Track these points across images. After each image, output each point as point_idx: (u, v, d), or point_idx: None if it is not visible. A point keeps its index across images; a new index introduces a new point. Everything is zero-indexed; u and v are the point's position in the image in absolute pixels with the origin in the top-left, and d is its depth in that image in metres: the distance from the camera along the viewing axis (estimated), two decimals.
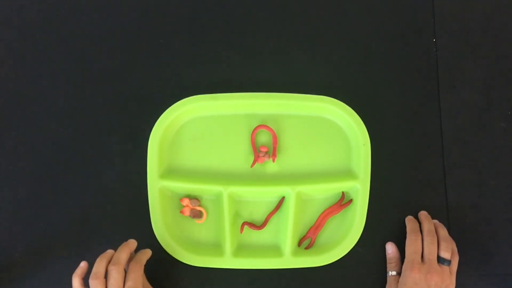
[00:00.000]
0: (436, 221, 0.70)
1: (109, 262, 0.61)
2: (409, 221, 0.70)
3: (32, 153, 0.71)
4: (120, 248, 0.62)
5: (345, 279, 0.70)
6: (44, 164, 0.71)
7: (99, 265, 0.60)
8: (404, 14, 0.75)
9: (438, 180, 0.72)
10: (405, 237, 0.69)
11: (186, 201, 0.70)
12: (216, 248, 0.69)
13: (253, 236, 0.70)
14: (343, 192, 0.70)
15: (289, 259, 0.68)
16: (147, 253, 0.64)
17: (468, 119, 0.74)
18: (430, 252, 0.66)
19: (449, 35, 0.75)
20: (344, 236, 0.69)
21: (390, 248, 0.70)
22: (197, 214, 0.69)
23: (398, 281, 0.67)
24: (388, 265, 0.70)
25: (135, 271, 0.61)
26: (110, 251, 0.62)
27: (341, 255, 0.69)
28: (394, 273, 0.68)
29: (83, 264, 0.62)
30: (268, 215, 0.70)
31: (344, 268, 0.70)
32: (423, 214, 0.71)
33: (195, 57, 0.73)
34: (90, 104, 0.72)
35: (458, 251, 0.68)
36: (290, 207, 0.68)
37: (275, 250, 0.70)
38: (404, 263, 0.66)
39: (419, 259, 0.66)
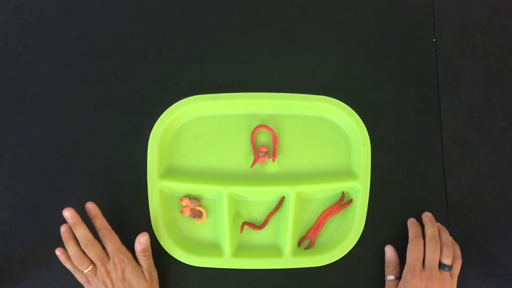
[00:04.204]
0: (438, 224, 0.69)
1: (73, 239, 0.64)
2: (412, 225, 0.69)
3: (32, 153, 0.71)
4: (74, 227, 0.64)
5: (345, 279, 0.70)
6: (44, 164, 0.71)
7: (71, 247, 0.64)
8: (404, 14, 0.75)
9: (438, 180, 0.72)
10: (405, 238, 0.68)
11: (186, 201, 0.70)
12: (216, 248, 0.69)
13: (253, 236, 0.70)
14: (343, 192, 0.70)
15: (289, 259, 0.68)
16: (97, 216, 0.65)
17: (468, 119, 0.74)
18: (433, 259, 0.65)
19: (449, 35, 0.75)
20: (344, 236, 0.69)
21: (389, 251, 0.69)
22: (197, 214, 0.69)
23: (396, 286, 0.67)
24: (386, 269, 0.69)
25: (106, 237, 0.65)
26: (63, 230, 0.64)
27: (341, 255, 0.69)
28: (392, 277, 0.68)
29: (60, 252, 0.65)
30: (268, 215, 0.70)
31: (344, 268, 0.70)
32: (427, 217, 0.70)
33: (195, 57, 0.73)
34: (90, 104, 0.72)
35: None
36: (290, 207, 0.68)
37: (275, 250, 0.70)
38: (405, 269, 0.66)
39: (421, 266, 0.65)
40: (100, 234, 0.65)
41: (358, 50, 0.74)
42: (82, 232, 0.64)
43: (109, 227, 0.66)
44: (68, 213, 0.64)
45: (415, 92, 0.74)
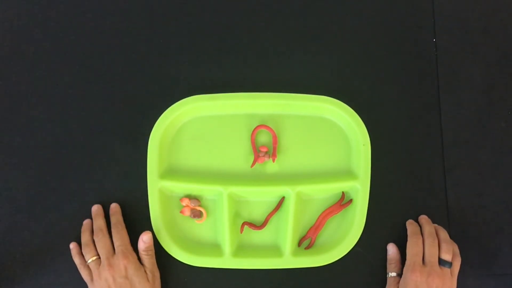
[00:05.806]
0: (436, 225, 0.70)
1: (89, 231, 0.68)
2: (410, 224, 0.70)
3: (32, 153, 0.71)
4: (94, 218, 0.68)
5: (345, 279, 0.70)
6: (44, 164, 0.71)
7: (85, 236, 0.67)
8: (404, 14, 0.75)
9: (438, 180, 0.72)
10: (405, 238, 0.69)
11: (186, 201, 0.70)
12: (216, 248, 0.69)
13: (253, 236, 0.70)
14: (343, 192, 0.70)
15: (289, 259, 0.68)
16: (116, 213, 0.69)
17: (468, 119, 0.74)
18: (431, 254, 0.65)
19: (449, 35, 0.75)
20: (344, 236, 0.69)
21: (391, 249, 0.70)
22: (197, 214, 0.69)
23: (397, 283, 0.67)
24: (388, 266, 0.69)
25: (118, 231, 0.67)
26: (87, 222, 0.69)
27: (341, 255, 0.69)
28: (394, 274, 0.68)
29: (73, 245, 0.68)
30: (268, 215, 0.70)
31: (344, 268, 0.70)
32: (423, 218, 0.70)
33: (195, 57, 0.73)
34: (90, 104, 0.72)
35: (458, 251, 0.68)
36: (290, 207, 0.68)
37: (275, 250, 0.70)
38: (405, 265, 0.66)
39: (421, 262, 0.65)
40: (113, 227, 0.67)
41: (358, 50, 0.74)
42: (99, 222, 0.67)
43: (124, 225, 0.68)
44: (95, 207, 0.69)
45: (415, 92, 0.74)
